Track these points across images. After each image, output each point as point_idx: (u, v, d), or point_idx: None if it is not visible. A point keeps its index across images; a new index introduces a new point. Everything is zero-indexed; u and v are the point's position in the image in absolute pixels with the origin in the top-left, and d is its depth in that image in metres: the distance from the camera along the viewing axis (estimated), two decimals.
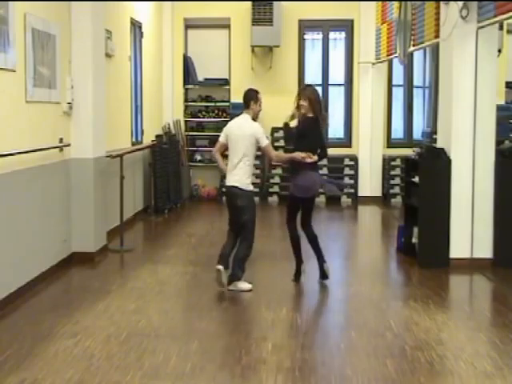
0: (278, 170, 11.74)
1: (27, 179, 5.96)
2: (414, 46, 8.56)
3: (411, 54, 9.80)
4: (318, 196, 6.36)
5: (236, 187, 6.16)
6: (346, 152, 12.11)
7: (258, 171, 11.73)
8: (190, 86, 12.39)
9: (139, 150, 9.75)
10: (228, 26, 12.21)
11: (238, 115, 6.59)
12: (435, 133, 8.19)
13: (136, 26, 10.18)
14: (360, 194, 11.95)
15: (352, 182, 11.91)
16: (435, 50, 10.20)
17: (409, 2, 8.66)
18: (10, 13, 5.48)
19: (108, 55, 8.20)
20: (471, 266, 6.94)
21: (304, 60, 12.37)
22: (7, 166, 5.49)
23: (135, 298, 5.85)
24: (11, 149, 5.53)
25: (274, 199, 11.80)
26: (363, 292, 6.20)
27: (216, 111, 12.28)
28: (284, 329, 5.15)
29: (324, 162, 11.80)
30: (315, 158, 6.23)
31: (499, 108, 7.41)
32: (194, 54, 12.42)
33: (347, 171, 11.91)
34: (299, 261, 6.47)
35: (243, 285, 6.09)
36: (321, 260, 6.43)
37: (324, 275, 6.43)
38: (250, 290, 6.05)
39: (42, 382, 4.04)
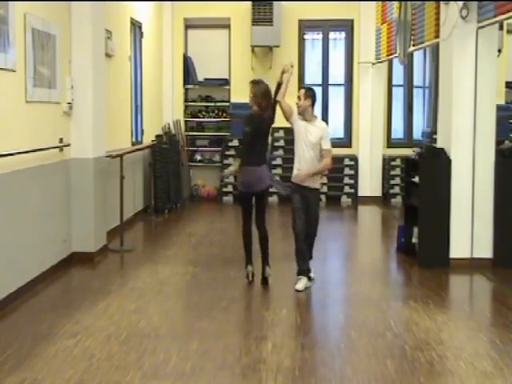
0: (278, 170, 11.74)
1: (27, 179, 5.95)
2: (414, 45, 8.56)
3: (411, 53, 9.80)
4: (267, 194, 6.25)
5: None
6: (346, 152, 12.10)
7: None
8: (190, 86, 12.39)
9: (139, 149, 9.75)
10: (228, 26, 12.21)
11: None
12: (435, 133, 8.19)
13: (136, 26, 10.18)
14: (360, 194, 11.95)
15: (352, 181, 11.92)
16: (435, 50, 10.20)
17: (409, 2, 8.66)
18: (10, 13, 5.48)
19: (108, 55, 8.20)
20: (471, 265, 6.94)
21: (304, 60, 12.37)
22: (7, 166, 5.49)
23: (135, 298, 5.85)
24: (11, 149, 5.53)
25: (274, 199, 11.80)
26: (363, 292, 6.20)
27: (216, 111, 12.29)
28: (284, 329, 5.15)
29: None
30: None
31: (499, 108, 7.41)
32: (193, 54, 12.43)
33: (347, 171, 11.91)
34: (247, 260, 6.36)
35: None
36: (264, 263, 6.28)
37: (265, 280, 6.27)
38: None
39: (42, 382, 4.05)
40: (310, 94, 6.26)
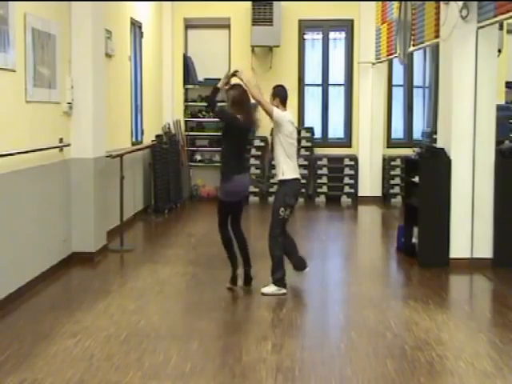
0: None
1: (27, 179, 5.95)
2: (414, 45, 8.56)
3: (411, 53, 9.80)
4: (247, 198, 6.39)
5: None
6: (346, 152, 12.12)
7: (258, 171, 11.75)
8: (190, 86, 12.39)
9: (139, 149, 9.75)
10: (228, 26, 12.21)
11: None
12: (435, 133, 8.20)
13: (136, 26, 10.18)
14: (360, 194, 11.95)
15: (352, 181, 11.92)
16: (435, 50, 10.20)
17: (409, 2, 8.66)
18: (9, 13, 5.48)
19: (108, 55, 8.20)
20: (471, 265, 6.93)
21: (304, 60, 12.38)
22: (7, 166, 5.49)
23: (135, 298, 5.85)
24: (11, 149, 5.53)
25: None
26: (363, 292, 6.19)
27: None
28: (284, 329, 5.14)
29: (324, 162, 11.88)
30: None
31: (499, 108, 7.41)
32: (193, 54, 12.42)
33: (347, 171, 11.91)
34: (234, 265, 6.20)
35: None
36: (247, 265, 6.19)
37: (248, 280, 6.20)
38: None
39: (42, 382, 4.04)
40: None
